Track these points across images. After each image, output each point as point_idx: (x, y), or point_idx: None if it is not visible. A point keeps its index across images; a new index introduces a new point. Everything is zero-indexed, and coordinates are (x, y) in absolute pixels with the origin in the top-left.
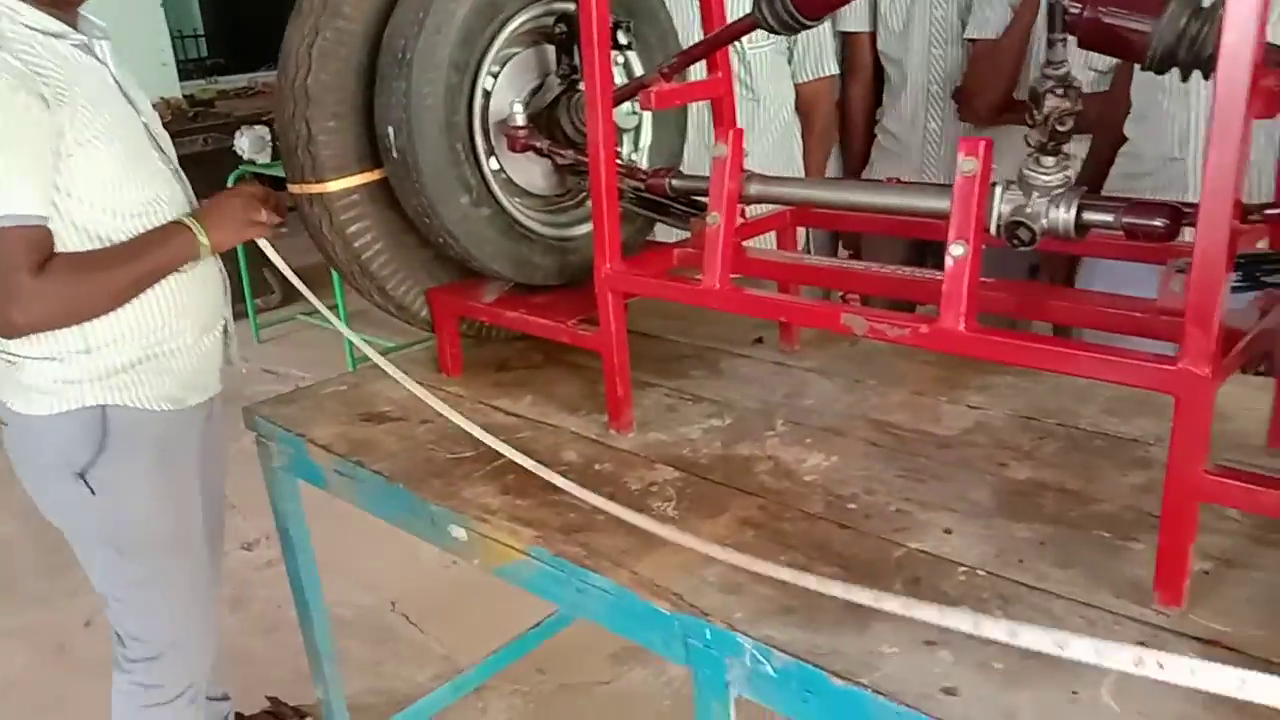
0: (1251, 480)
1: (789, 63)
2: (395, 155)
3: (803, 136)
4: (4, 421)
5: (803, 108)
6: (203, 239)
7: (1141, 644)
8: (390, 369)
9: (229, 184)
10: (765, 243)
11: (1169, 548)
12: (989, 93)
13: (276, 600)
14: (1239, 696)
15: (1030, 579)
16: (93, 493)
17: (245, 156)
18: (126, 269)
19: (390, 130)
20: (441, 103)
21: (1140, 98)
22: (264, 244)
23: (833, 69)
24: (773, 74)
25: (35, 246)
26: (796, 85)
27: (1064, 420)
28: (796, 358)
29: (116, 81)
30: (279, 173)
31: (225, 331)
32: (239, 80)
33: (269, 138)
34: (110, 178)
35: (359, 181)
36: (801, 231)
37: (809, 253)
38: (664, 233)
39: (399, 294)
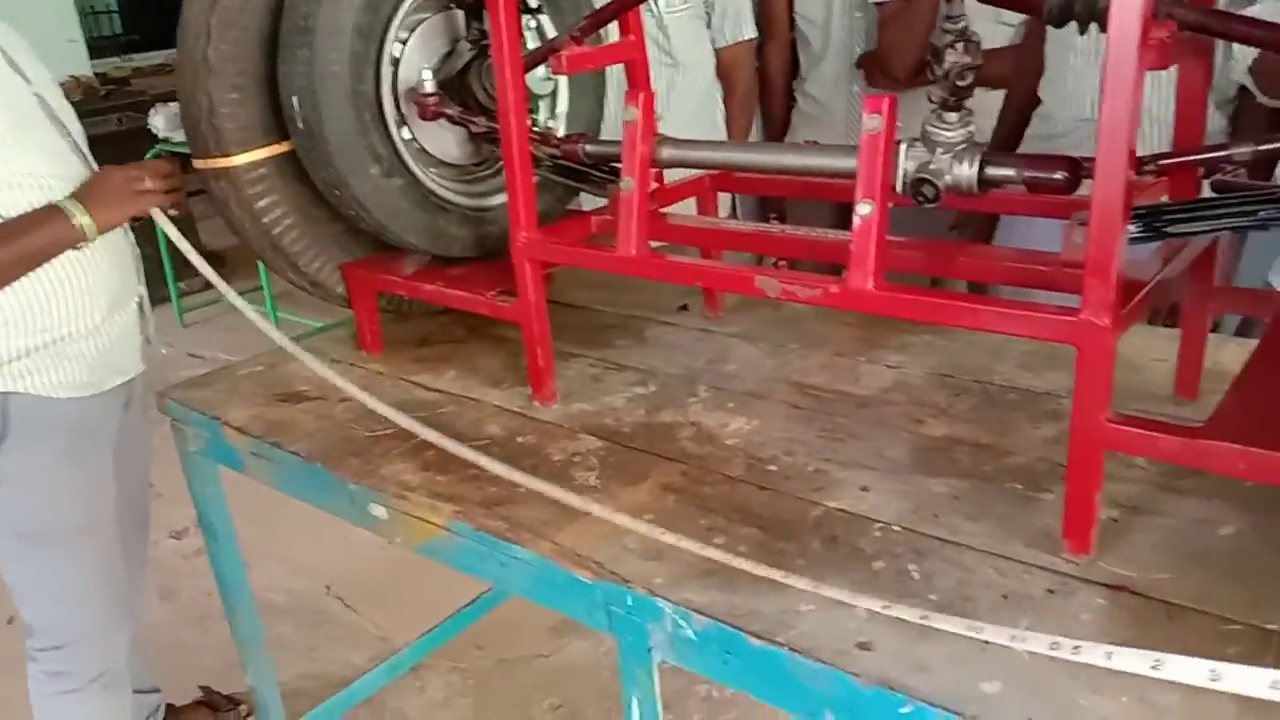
0: (1152, 428)
1: (708, 27)
2: (301, 126)
3: (725, 102)
4: None
5: (723, 72)
6: (81, 219)
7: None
8: (290, 346)
9: None
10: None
11: (1075, 497)
12: (903, 55)
13: (207, 588)
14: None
15: (944, 533)
16: None
17: (160, 134)
18: (12, 247)
19: (295, 100)
20: (347, 70)
21: (1053, 59)
22: (159, 217)
23: (752, 33)
24: (691, 39)
25: None
26: (716, 50)
27: (979, 376)
28: (720, 324)
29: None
30: None
31: (140, 309)
32: (155, 57)
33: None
34: (32, 166)
35: (266, 155)
36: (726, 199)
37: (737, 219)
38: (591, 202)
39: (313, 270)
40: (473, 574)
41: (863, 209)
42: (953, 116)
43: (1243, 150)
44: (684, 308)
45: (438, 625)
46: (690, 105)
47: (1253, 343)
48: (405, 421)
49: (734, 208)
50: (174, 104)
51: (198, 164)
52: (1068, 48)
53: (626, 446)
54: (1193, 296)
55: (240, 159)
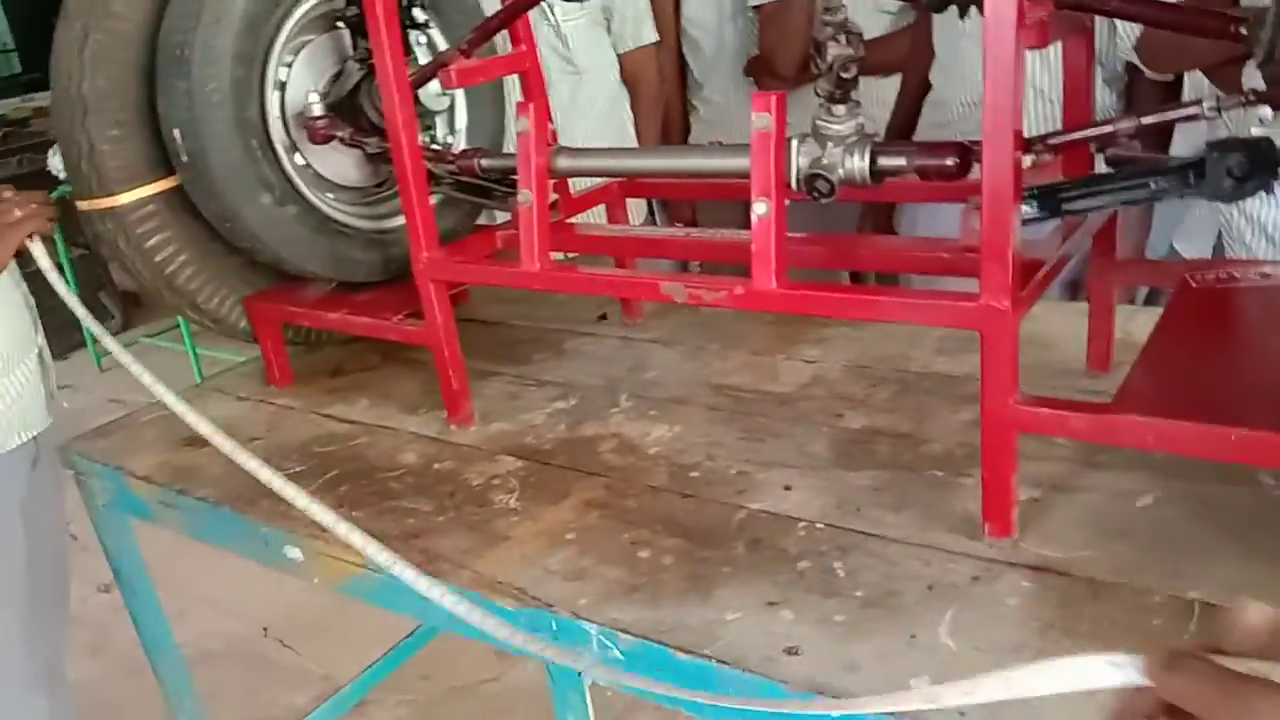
0: (1061, 407)
1: (608, 33)
2: (185, 159)
3: (631, 107)
4: None
5: (627, 78)
6: None
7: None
8: (167, 397)
9: None
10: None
11: (992, 480)
12: (786, 53)
13: (137, 641)
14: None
15: (867, 526)
16: None
17: (61, 176)
18: None
19: (177, 133)
20: (229, 99)
21: (942, 46)
22: (36, 251)
23: (653, 37)
24: (591, 45)
25: None
26: (619, 55)
27: (896, 365)
28: (640, 330)
29: None
30: None
31: (41, 360)
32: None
33: None
34: None
35: (153, 190)
36: (638, 206)
37: (655, 224)
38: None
39: (212, 306)
40: (396, 611)
41: (759, 208)
42: (841, 109)
43: (1127, 124)
44: (603, 317)
45: (380, 658)
46: (595, 112)
47: (1159, 311)
48: (265, 474)
49: (650, 212)
50: None
51: (81, 206)
52: (959, 33)
53: (547, 464)
54: (1096, 271)
55: (125, 198)
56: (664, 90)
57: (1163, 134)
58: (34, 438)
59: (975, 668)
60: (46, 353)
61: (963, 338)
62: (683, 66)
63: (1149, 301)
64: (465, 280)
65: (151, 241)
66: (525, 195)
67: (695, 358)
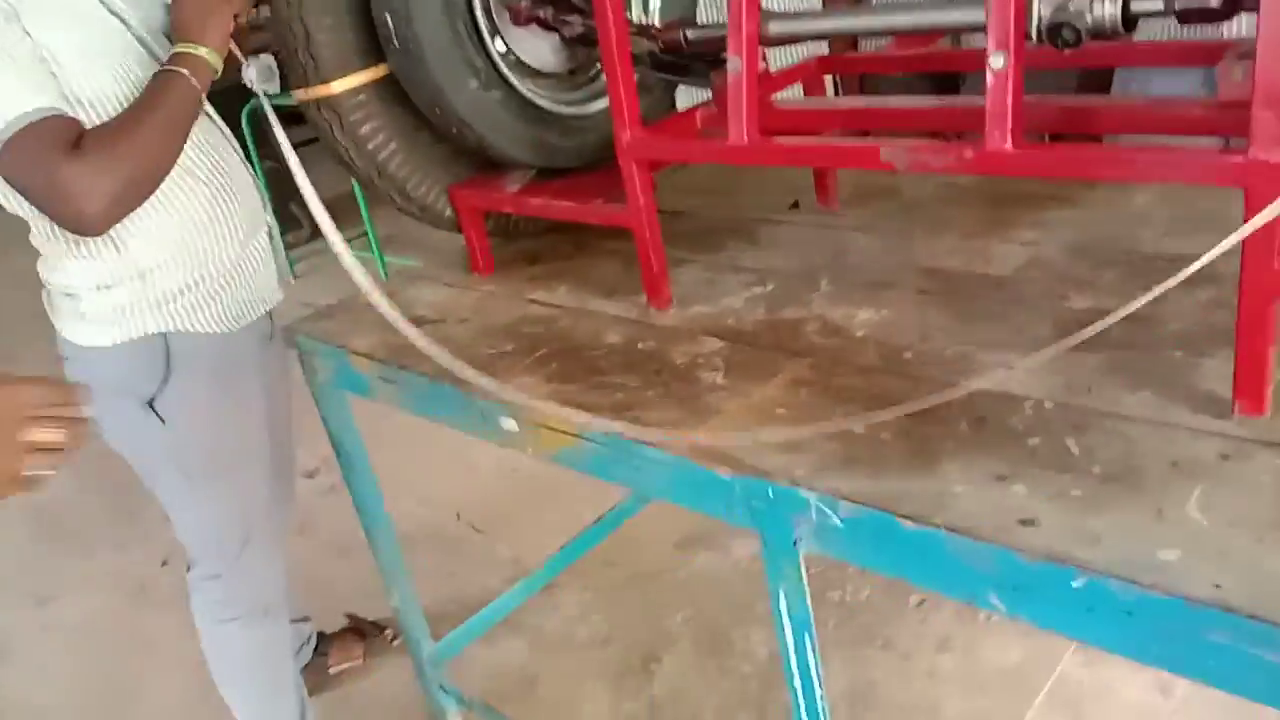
0: None
1: None
2: (397, 44)
3: None
4: (65, 355)
5: None
6: (199, 50)
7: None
8: (368, 286)
9: (243, 118)
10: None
11: (1247, 354)
12: None
13: (342, 524)
14: None
15: (1102, 404)
16: (162, 421)
17: (254, 88)
18: (156, 113)
19: (389, 17)
20: None
21: None
22: (265, 102)
23: None
24: None
25: (57, 134)
26: None
27: (1122, 246)
28: (836, 218)
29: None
30: (290, 101)
31: (270, 237)
32: None
33: (275, 66)
34: (104, 87)
35: (365, 79)
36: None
37: None
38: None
39: (420, 194)
40: (608, 479)
41: (996, 62)
42: None
43: None
44: (795, 205)
45: (567, 544)
46: None
47: None
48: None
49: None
50: (264, 56)
51: (298, 95)
52: None
53: (751, 345)
54: None
55: (340, 85)
56: None
57: None
58: (269, 313)
59: (1230, 543)
60: (276, 231)
61: (1196, 217)
62: None
63: None
64: (670, 158)
65: (364, 129)
66: (735, 62)
67: (899, 243)
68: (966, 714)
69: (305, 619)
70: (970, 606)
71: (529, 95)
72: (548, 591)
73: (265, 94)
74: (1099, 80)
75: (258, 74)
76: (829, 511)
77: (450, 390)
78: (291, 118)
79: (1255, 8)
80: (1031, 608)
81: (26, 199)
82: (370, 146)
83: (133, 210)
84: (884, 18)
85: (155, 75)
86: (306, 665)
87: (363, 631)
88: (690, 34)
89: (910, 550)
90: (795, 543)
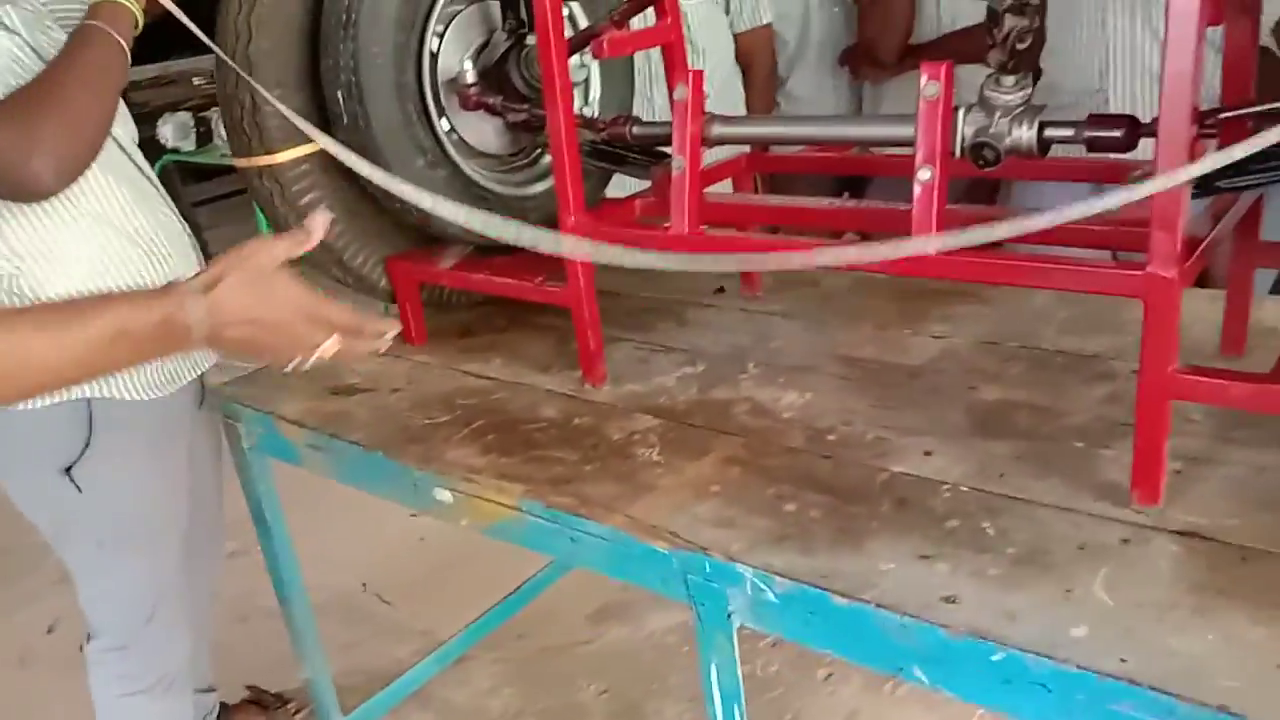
0: (1221, 376)
1: (726, 13)
2: (346, 120)
3: (745, 87)
4: None
5: (742, 58)
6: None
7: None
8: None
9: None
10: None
11: (1145, 447)
12: (889, 40)
13: (245, 590)
14: None
15: (1012, 490)
16: (79, 490)
17: (169, 144)
18: (73, 68)
19: (340, 94)
20: (390, 63)
21: (1055, 32)
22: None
23: (769, 17)
24: (710, 25)
25: None
26: (735, 35)
27: (1026, 342)
28: (760, 304)
29: (33, 49)
30: (206, 159)
31: None
32: (150, 70)
33: (191, 123)
34: None
35: (309, 150)
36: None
37: None
38: (614, 191)
39: (357, 264)
40: (542, 551)
41: (923, 175)
42: (1010, 80)
43: None
44: (721, 290)
45: (480, 616)
46: (711, 91)
47: None
48: None
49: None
50: (180, 114)
51: (240, 163)
52: (1074, 22)
53: (684, 423)
54: (1239, 252)
55: (284, 155)
56: (775, 71)
57: None
58: (200, 376)
59: (1134, 622)
60: None
61: (1091, 317)
62: None
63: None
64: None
65: (306, 199)
66: (679, 161)
67: (819, 330)
68: None
69: (210, 689)
70: (877, 679)
71: (472, 175)
72: (459, 664)
73: (179, 150)
74: (986, 188)
75: (173, 131)
76: (764, 587)
77: (383, 460)
78: (206, 173)
79: (1154, 134)
80: (953, 680)
81: None
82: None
83: (76, 173)
84: (825, 128)
85: (72, 31)
86: None
87: (265, 704)
88: (636, 130)
89: (841, 625)
90: (729, 616)
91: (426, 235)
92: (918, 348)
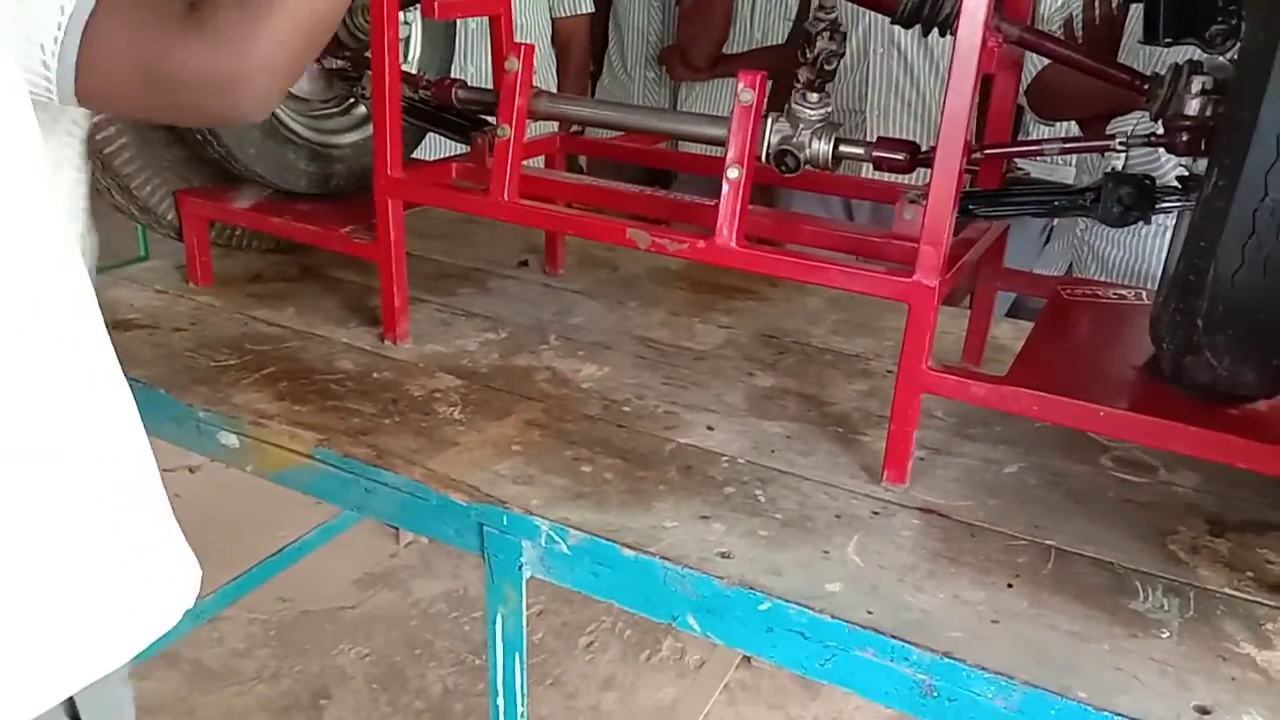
0: (965, 375)
1: None
2: None
3: (558, 73)
4: None
5: (559, 43)
6: None
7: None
8: None
9: None
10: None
11: (897, 432)
12: (703, 47)
13: None
14: None
15: (782, 465)
16: None
17: None
18: None
19: None
20: None
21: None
22: None
23: (589, 7)
24: (531, 5)
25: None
26: (554, 19)
27: (799, 339)
28: (561, 280)
29: None
30: None
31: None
32: None
33: None
34: None
35: None
36: None
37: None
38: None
39: (143, 195)
40: (332, 501)
41: (732, 173)
42: (815, 97)
43: (1052, 145)
44: (524, 263)
45: (238, 576)
46: None
47: (1019, 323)
48: None
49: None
50: None
51: None
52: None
53: (486, 386)
54: (984, 276)
55: None
56: (589, 60)
57: None
58: None
59: (879, 580)
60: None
61: (856, 323)
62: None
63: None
64: (427, 202)
65: (96, 117)
66: (505, 129)
67: (616, 311)
68: None
69: None
70: (633, 649)
71: (283, 116)
72: (213, 624)
73: None
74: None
75: None
76: (558, 539)
77: (168, 400)
78: None
79: (930, 164)
80: (722, 627)
81: (142, 108)
82: (99, 136)
83: (294, 79)
84: (647, 119)
85: None
86: None
87: None
88: (461, 93)
89: (626, 575)
90: (520, 567)
91: (225, 172)
92: (704, 334)
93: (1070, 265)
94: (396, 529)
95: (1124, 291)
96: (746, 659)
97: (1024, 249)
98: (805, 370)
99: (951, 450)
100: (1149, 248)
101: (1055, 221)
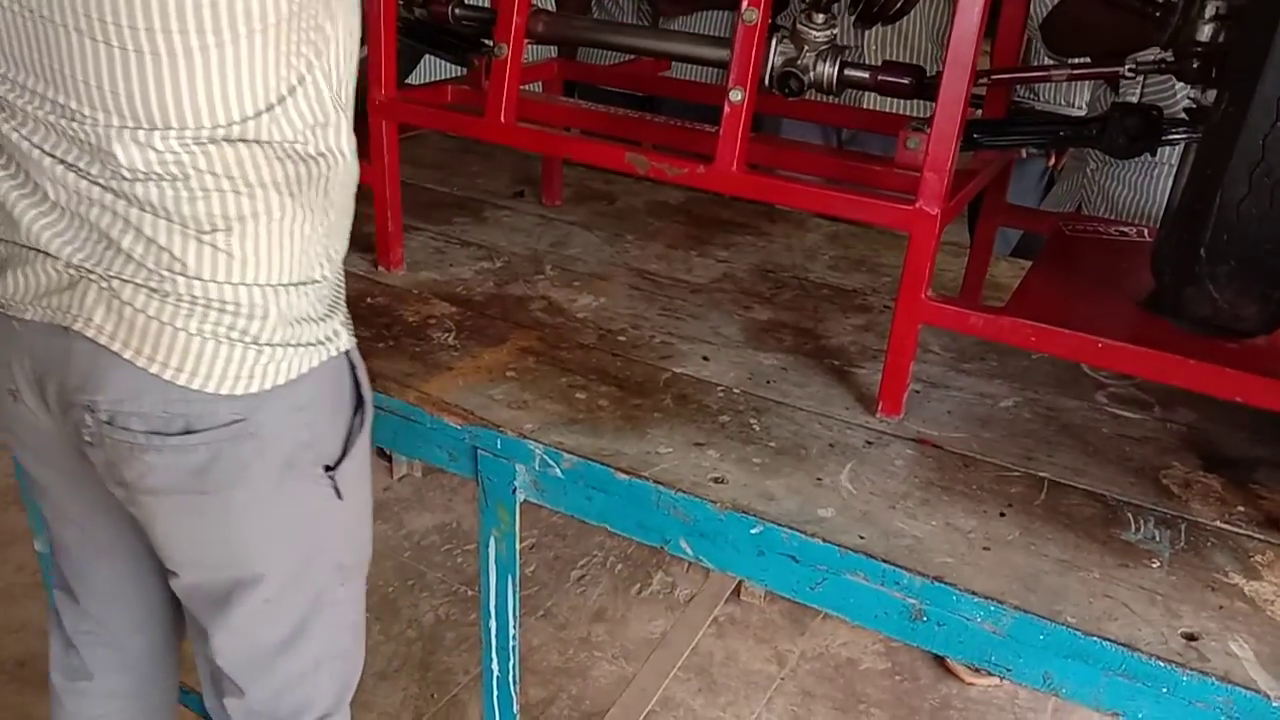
0: (964, 305)
1: None
2: None
3: (556, 4)
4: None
5: None
6: None
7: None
8: None
9: None
10: None
11: (893, 364)
12: None
13: None
14: None
15: (777, 395)
16: (339, 496)
17: None
18: None
19: None
20: None
21: None
22: None
23: None
24: None
25: None
26: None
27: (796, 274)
28: (558, 212)
29: None
30: None
31: None
32: None
33: None
34: None
35: None
36: None
37: None
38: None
39: None
40: None
41: (735, 96)
42: (820, 18)
43: (1060, 71)
44: (520, 194)
45: None
46: None
47: (1018, 261)
48: None
49: None
50: None
51: None
52: None
53: (481, 314)
54: (986, 212)
55: None
56: None
57: None
58: None
59: (870, 508)
60: None
61: (854, 259)
62: None
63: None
64: (424, 124)
65: None
66: (501, 48)
67: (613, 243)
68: (613, 677)
69: None
70: (623, 583)
71: None
72: None
73: None
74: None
75: None
76: (552, 463)
77: None
78: None
79: (933, 98)
80: (714, 552)
81: None
82: None
83: None
84: (649, 41)
85: None
86: None
87: None
88: (458, 11)
89: (620, 499)
90: (514, 490)
91: None
92: (701, 268)
93: (1079, 206)
94: (389, 462)
95: (1126, 229)
96: (736, 594)
97: (1023, 194)
98: (802, 304)
99: (947, 384)
100: (1160, 189)
101: (1057, 165)
